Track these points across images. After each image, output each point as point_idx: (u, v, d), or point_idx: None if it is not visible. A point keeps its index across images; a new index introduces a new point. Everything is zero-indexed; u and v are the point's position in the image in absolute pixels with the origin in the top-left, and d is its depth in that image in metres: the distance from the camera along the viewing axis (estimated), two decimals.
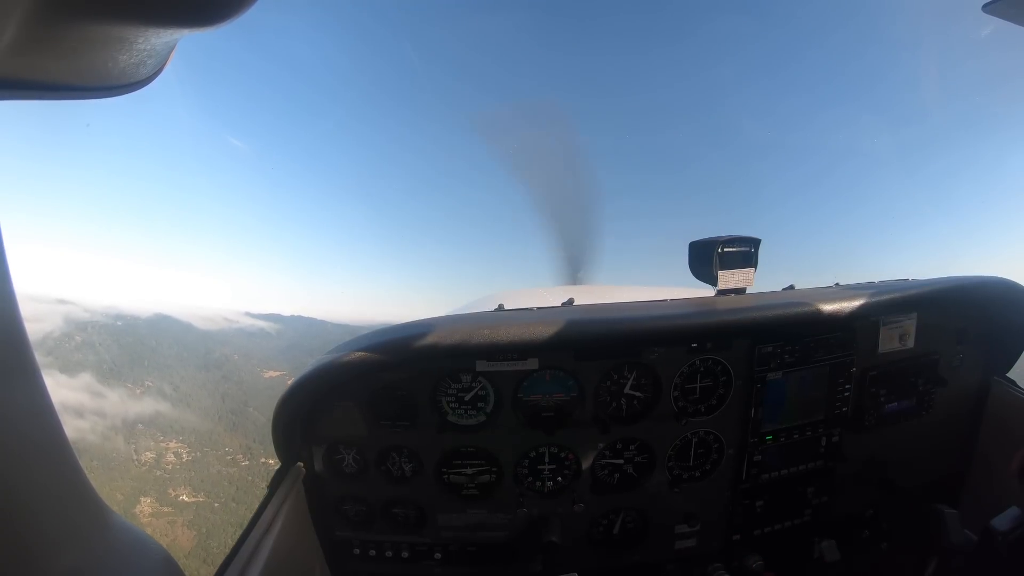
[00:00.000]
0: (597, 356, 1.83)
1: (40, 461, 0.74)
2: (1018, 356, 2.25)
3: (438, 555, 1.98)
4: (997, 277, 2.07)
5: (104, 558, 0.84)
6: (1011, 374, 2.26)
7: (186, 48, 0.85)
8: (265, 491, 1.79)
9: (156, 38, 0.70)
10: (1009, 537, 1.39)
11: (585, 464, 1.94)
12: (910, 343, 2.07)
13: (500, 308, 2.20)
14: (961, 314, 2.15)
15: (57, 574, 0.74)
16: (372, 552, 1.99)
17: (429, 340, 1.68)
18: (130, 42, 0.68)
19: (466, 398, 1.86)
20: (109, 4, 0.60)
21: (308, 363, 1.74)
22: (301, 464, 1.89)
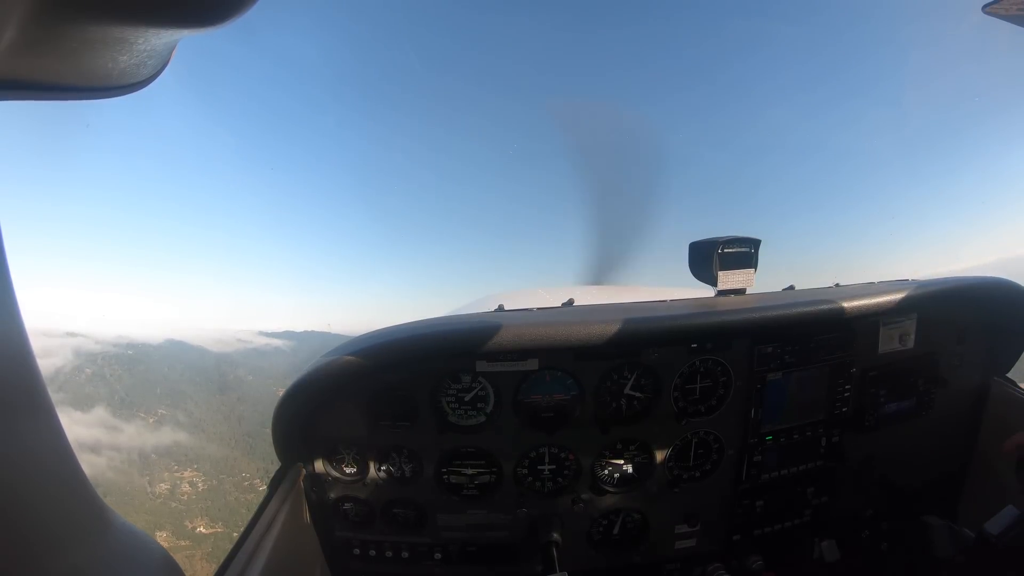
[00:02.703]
0: (597, 357, 1.83)
1: (41, 462, 0.74)
2: (1018, 356, 2.25)
3: (438, 555, 1.98)
4: (997, 277, 2.08)
5: (105, 557, 0.84)
6: (1011, 374, 2.27)
7: (186, 48, 0.85)
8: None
9: (156, 39, 0.70)
10: (1003, 540, 1.39)
11: (585, 464, 1.94)
12: (910, 343, 2.07)
13: (500, 308, 2.20)
14: (961, 314, 2.15)
15: (59, 573, 0.74)
16: (372, 552, 1.99)
17: (429, 341, 1.68)
18: (130, 43, 0.68)
19: (466, 399, 1.86)
20: (109, 4, 0.60)
21: (307, 365, 1.74)
22: (301, 464, 1.89)
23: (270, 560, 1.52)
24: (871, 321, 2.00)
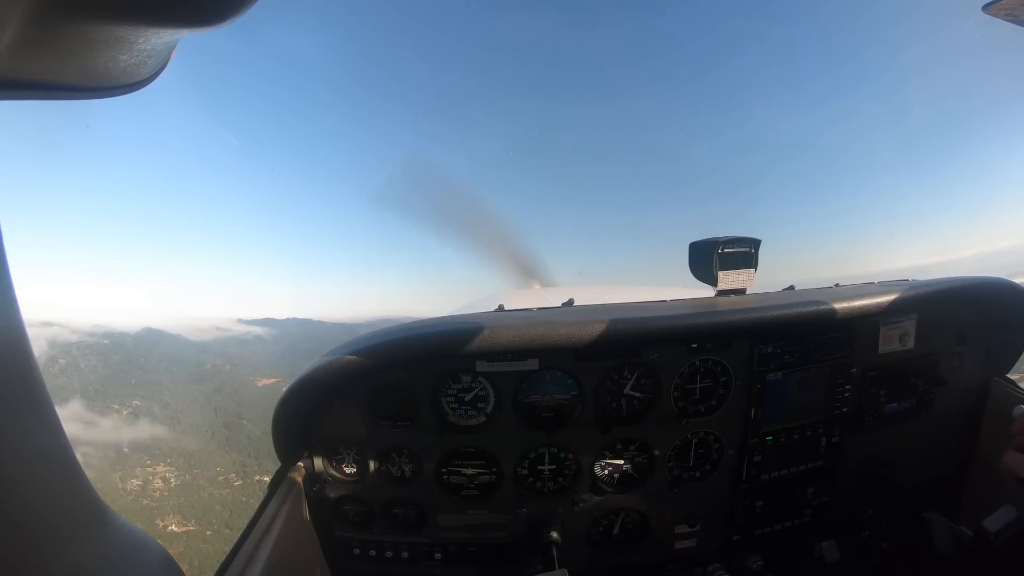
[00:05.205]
0: (597, 356, 1.83)
1: (42, 462, 0.75)
2: (1018, 356, 2.25)
3: (438, 555, 1.98)
4: (997, 277, 2.08)
5: (106, 555, 0.84)
6: (1011, 374, 2.27)
7: (186, 48, 0.85)
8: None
9: (156, 38, 0.70)
10: (1001, 537, 1.39)
11: (585, 464, 1.94)
12: (910, 343, 2.07)
13: (500, 308, 2.20)
14: (961, 314, 2.15)
15: (59, 571, 0.74)
16: (372, 552, 1.98)
17: (429, 341, 1.68)
18: (131, 42, 0.68)
19: (466, 398, 1.86)
20: (109, 4, 0.60)
21: (308, 365, 1.74)
22: (301, 464, 1.89)
23: (270, 560, 1.52)
24: (871, 321, 2.00)
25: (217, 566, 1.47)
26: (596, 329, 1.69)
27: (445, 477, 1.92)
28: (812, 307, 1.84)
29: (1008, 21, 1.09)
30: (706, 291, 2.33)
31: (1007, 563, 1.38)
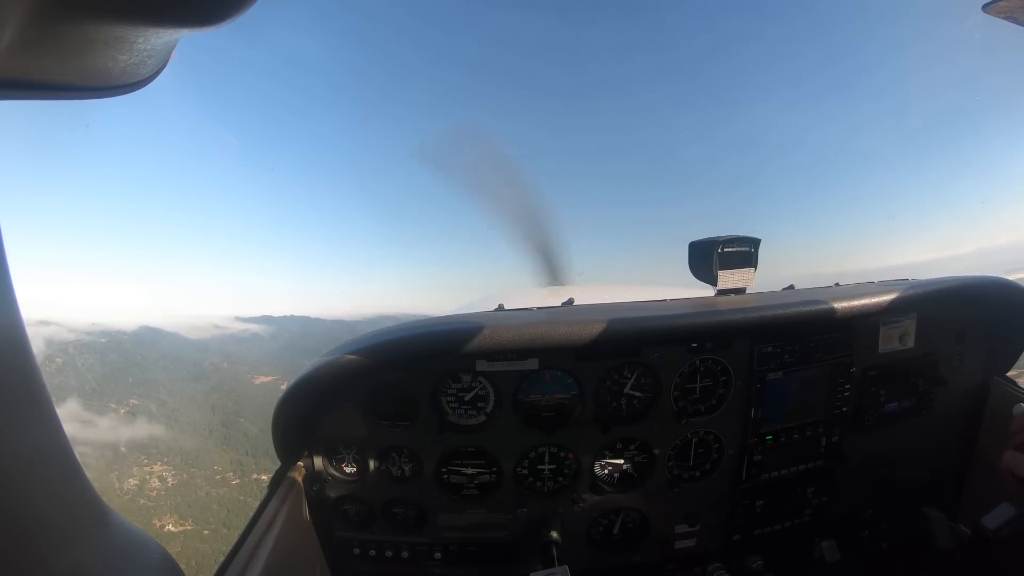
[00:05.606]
0: (597, 356, 1.83)
1: (42, 462, 0.75)
2: (1018, 356, 2.25)
3: (438, 555, 1.98)
4: (997, 277, 2.08)
5: (105, 556, 0.84)
6: (1011, 374, 2.27)
7: (186, 48, 0.85)
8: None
9: (156, 38, 0.70)
10: (1000, 535, 1.40)
11: (585, 464, 1.94)
12: (910, 343, 2.07)
13: (500, 308, 2.20)
14: (961, 314, 2.16)
15: (60, 571, 0.74)
16: (372, 552, 1.99)
17: (429, 340, 1.68)
18: (131, 42, 0.68)
19: (466, 398, 1.86)
20: (109, 4, 0.60)
21: (307, 364, 1.74)
22: (301, 464, 1.89)
23: (270, 560, 1.52)
24: (871, 321, 2.00)
25: (215, 566, 1.47)
26: (596, 329, 1.69)
27: (445, 477, 1.92)
28: (812, 306, 1.84)
29: (1008, 22, 1.09)
30: (706, 291, 2.33)
31: (1005, 560, 1.39)
